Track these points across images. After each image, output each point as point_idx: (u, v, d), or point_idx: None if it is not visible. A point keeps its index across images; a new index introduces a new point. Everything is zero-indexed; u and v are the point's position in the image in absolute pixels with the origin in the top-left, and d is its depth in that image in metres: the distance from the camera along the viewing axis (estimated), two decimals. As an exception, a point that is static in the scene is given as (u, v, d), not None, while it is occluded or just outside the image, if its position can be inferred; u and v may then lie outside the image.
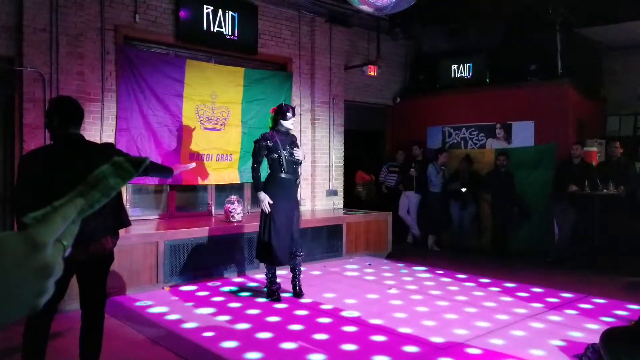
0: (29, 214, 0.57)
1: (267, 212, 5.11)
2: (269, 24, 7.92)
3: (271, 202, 5.12)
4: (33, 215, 0.57)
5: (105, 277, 3.18)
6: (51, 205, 0.59)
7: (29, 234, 0.56)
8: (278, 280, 5.42)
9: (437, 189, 8.68)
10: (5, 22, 5.60)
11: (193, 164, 4.63)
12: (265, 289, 5.39)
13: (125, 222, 3.26)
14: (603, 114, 9.37)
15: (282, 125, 5.24)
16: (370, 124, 10.41)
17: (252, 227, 6.51)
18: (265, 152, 5.21)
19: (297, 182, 5.41)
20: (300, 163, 5.42)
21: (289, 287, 5.50)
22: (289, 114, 5.24)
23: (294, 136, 5.40)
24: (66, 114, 3.05)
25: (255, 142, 5.28)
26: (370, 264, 7.26)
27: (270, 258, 5.17)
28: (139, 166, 0.66)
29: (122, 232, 5.75)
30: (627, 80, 9.12)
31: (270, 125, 5.34)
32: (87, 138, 5.60)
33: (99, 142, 6.19)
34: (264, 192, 5.17)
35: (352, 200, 9.18)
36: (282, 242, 5.14)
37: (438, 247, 8.72)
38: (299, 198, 5.69)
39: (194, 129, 7.04)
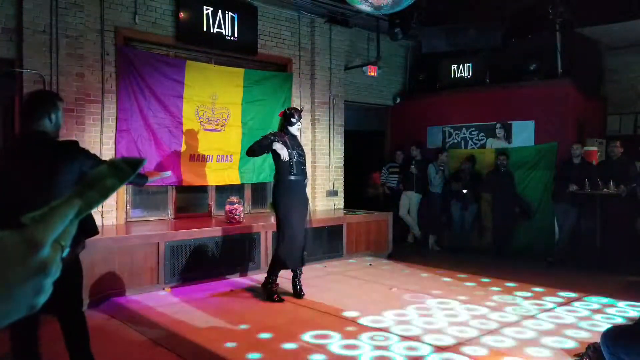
0: (27, 214, 0.58)
1: (286, 158, 5.10)
2: (268, 25, 7.93)
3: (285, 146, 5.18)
4: (31, 215, 0.58)
5: (74, 282, 3.00)
6: (48, 205, 0.59)
7: (27, 233, 0.56)
8: (277, 280, 5.42)
9: (437, 190, 8.68)
10: (5, 24, 5.61)
11: (168, 173, 4.34)
12: (265, 290, 5.38)
13: (92, 231, 2.98)
14: (603, 114, 9.35)
15: (288, 130, 5.29)
16: (371, 124, 10.41)
17: (253, 228, 6.52)
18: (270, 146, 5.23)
19: (305, 182, 5.41)
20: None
21: (290, 287, 5.50)
22: (293, 119, 5.27)
23: (298, 139, 5.46)
24: (22, 112, 2.89)
25: (264, 136, 5.34)
26: (370, 264, 7.26)
27: (283, 263, 5.20)
28: (136, 166, 0.67)
29: (123, 233, 5.79)
30: (627, 79, 9.12)
31: (278, 128, 5.39)
32: (87, 140, 5.52)
33: (99, 143, 6.22)
34: (276, 197, 5.25)
35: (353, 201, 9.18)
36: (298, 244, 5.21)
37: (439, 247, 8.72)
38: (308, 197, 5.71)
39: (194, 130, 7.05)
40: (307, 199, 5.46)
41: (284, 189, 5.21)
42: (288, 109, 5.43)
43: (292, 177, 5.21)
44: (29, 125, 2.85)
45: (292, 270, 5.45)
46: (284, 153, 5.08)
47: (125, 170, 0.66)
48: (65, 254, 0.60)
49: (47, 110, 2.88)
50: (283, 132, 5.30)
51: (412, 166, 8.83)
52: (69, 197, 0.61)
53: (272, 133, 5.33)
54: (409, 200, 8.98)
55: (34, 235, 0.56)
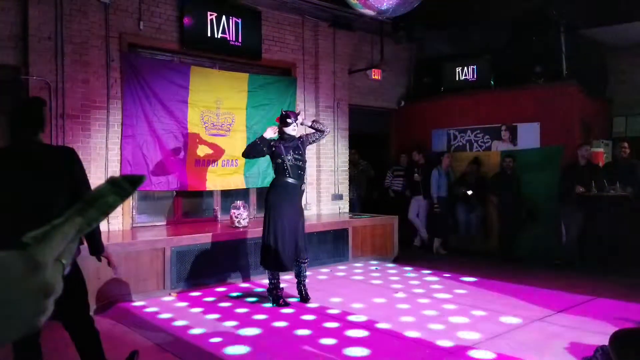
0: (28, 233, 0.58)
1: (271, 136, 5.28)
2: (272, 30, 7.94)
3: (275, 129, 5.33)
4: (33, 234, 0.58)
5: (78, 291, 3.00)
6: (50, 223, 0.59)
7: (28, 253, 0.56)
8: (282, 285, 5.41)
9: (442, 194, 8.64)
10: (10, 31, 5.65)
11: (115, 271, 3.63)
12: (270, 295, 5.37)
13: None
14: (609, 115, 9.32)
15: (285, 133, 5.28)
16: (375, 127, 10.40)
17: (258, 232, 6.50)
18: (266, 149, 5.24)
19: (302, 188, 5.41)
20: (305, 167, 5.43)
21: (295, 292, 5.49)
22: (289, 120, 5.27)
23: (299, 140, 5.37)
24: (23, 120, 2.86)
25: (254, 141, 5.41)
26: (376, 268, 7.25)
27: (275, 264, 5.17)
28: (136, 184, 0.67)
29: (129, 238, 5.81)
30: (632, 80, 9.08)
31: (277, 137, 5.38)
32: (92, 146, 5.51)
33: (104, 149, 6.24)
34: (269, 196, 5.21)
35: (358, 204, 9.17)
36: (287, 247, 5.14)
37: (444, 250, 8.68)
38: (303, 203, 5.69)
39: (199, 135, 7.06)
40: (300, 206, 5.39)
41: (279, 187, 5.19)
42: (283, 111, 5.42)
43: (288, 180, 5.20)
44: (26, 134, 2.85)
45: (295, 276, 5.44)
46: (268, 132, 5.29)
47: (126, 187, 0.66)
48: (66, 272, 0.59)
49: (45, 119, 2.97)
50: (278, 141, 5.28)
51: (416, 174, 8.79)
52: (70, 215, 0.61)
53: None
54: (418, 204, 8.94)
55: (35, 255, 0.56)
